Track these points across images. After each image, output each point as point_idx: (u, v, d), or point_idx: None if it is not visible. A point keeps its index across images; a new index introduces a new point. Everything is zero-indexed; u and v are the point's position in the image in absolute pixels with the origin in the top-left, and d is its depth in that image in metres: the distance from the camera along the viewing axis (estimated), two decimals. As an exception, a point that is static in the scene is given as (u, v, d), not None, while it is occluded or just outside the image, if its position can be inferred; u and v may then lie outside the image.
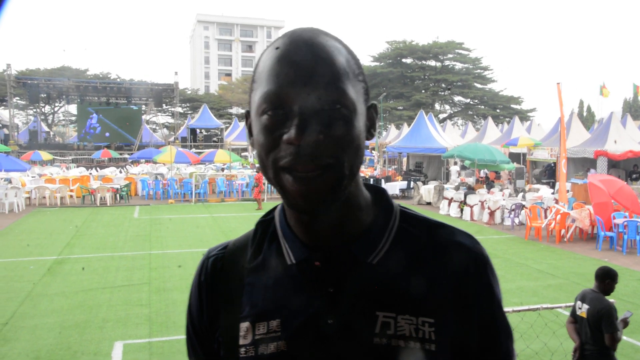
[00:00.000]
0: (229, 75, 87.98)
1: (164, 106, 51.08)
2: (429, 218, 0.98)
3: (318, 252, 0.91)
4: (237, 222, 16.05)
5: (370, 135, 0.92)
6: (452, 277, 0.91)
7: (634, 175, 19.40)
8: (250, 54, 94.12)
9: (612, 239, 12.07)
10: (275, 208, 1.02)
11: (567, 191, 15.86)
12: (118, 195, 20.72)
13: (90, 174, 25.27)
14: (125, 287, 8.66)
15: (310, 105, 0.81)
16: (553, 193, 17.13)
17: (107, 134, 40.79)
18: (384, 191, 1.01)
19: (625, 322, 4.31)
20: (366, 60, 59.65)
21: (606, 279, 4.38)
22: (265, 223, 1.02)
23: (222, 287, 1.01)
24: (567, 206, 14.05)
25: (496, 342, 0.95)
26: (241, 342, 0.94)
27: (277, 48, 0.85)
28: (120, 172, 27.45)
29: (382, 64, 58.97)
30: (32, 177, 22.55)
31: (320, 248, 0.92)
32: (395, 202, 1.01)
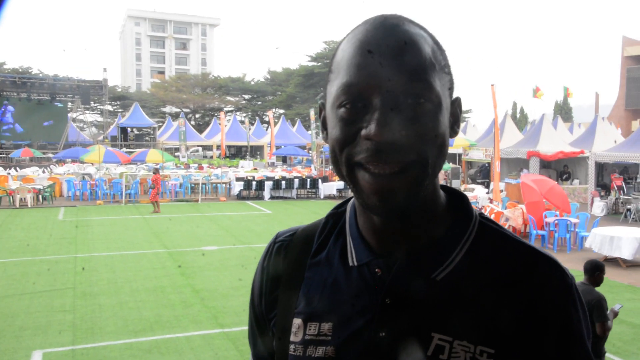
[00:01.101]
0: (162, 73, 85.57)
1: (92, 104, 48.85)
2: (510, 234, 0.88)
3: (381, 258, 0.85)
4: (170, 223, 15.40)
5: (454, 132, 0.85)
6: (523, 306, 0.81)
7: (565, 176, 20.30)
8: (184, 51, 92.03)
9: (543, 237, 12.41)
10: (348, 200, 0.96)
11: (501, 191, 16.29)
12: (40, 197, 19.49)
13: (9, 173, 23.68)
14: (47, 293, 8.01)
15: (392, 98, 0.74)
16: (488, 193, 17.59)
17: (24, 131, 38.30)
18: (463, 197, 0.91)
19: (615, 313, 4.49)
20: (303, 60, 59.85)
21: (596, 271, 4.55)
22: (337, 216, 0.97)
23: (282, 277, 0.96)
24: (501, 205, 14.40)
25: None
26: (292, 338, 0.90)
27: (358, 35, 0.79)
28: (44, 172, 25.96)
29: (319, 63, 59.13)
30: (-58, 176, 20.82)
31: (385, 254, 0.86)
32: (476, 210, 0.90)
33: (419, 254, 0.84)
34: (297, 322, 0.89)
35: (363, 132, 0.75)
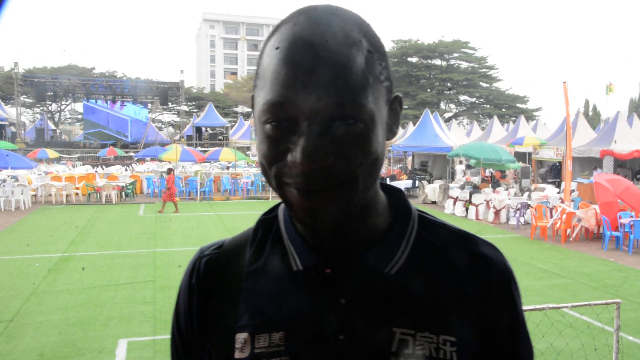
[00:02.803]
0: (235, 73, 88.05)
1: (170, 104, 51.13)
2: (449, 224, 0.90)
3: (329, 258, 0.82)
4: (242, 220, 16.05)
5: (391, 134, 0.81)
6: (475, 293, 0.83)
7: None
8: (256, 52, 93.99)
9: (618, 238, 11.99)
10: (279, 205, 0.91)
11: (573, 191, 15.78)
12: (123, 193, 20.76)
13: (96, 171, 25.36)
14: (130, 285, 8.67)
15: (319, 121, 0.70)
16: (559, 192, 17.06)
17: None
18: (401, 193, 0.91)
19: None
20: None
21: None
22: (268, 221, 0.92)
23: (216, 292, 0.90)
24: (573, 206, 13.98)
25: None
26: (237, 355, 0.84)
27: (284, 42, 0.72)
28: (126, 170, 27.55)
29: (387, 63, 58.82)
30: (39, 174, 22.63)
31: (331, 253, 0.83)
32: (413, 205, 0.91)
33: (367, 250, 0.83)
34: (241, 337, 0.84)
35: (289, 157, 0.71)
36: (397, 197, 0.90)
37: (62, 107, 56.50)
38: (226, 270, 0.91)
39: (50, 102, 51.69)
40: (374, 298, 0.81)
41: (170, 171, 18.31)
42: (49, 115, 51.37)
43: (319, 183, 0.71)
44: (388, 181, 22.48)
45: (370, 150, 0.73)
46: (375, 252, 0.83)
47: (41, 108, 48.85)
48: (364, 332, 0.80)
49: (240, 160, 28.23)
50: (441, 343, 0.80)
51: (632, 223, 11.56)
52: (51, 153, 31.39)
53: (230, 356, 0.84)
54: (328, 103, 0.69)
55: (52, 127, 47.76)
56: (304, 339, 0.81)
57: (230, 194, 22.53)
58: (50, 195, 19.80)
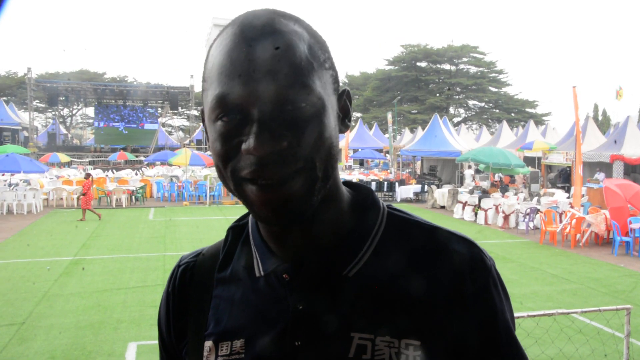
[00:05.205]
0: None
1: (180, 109, 51.47)
2: (421, 220, 0.85)
3: (287, 264, 0.81)
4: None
5: (344, 127, 0.81)
6: (442, 292, 0.78)
7: (650, 180, 19.16)
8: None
9: (628, 243, 11.91)
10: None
11: (583, 195, 15.70)
12: (133, 197, 20.90)
13: (107, 175, 25.53)
14: (140, 288, 8.72)
15: (269, 107, 0.69)
16: (568, 197, 16.98)
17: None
18: (369, 191, 0.88)
19: None
20: (381, 64, 59.72)
21: None
22: (238, 229, 0.92)
23: (190, 300, 0.91)
24: (583, 211, 13.90)
25: None
26: None
27: (226, 40, 0.73)
28: (136, 174, 27.71)
29: (396, 67, 58.88)
30: (50, 178, 22.84)
31: (292, 259, 0.81)
32: (383, 202, 0.88)
33: (326, 253, 0.80)
34: (207, 344, 0.85)
35: (243, 146, 0.70)
36: (365, 195, 0.87)
37: (74, 111, 57.00)
38: (200, 278, 0.91)
39: (62, 107, 52.21)
40: (332, 302, 0.79)
41: (87, 176, 17.14)
42: (61, 120, 51.86)
43: (276, 170, 0.70)
44: (397, 186, 22.47)
45: (324, 135, 0.72)
46: (334, 255, 0.80)
47: (53, 112, 49.37)
48: (321, 337, 0.78)
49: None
50: (403, 347, 0.76)
51: (642, 228, 11.49)
52: (63, 157, 31.69)
53: None
54: (276, 87, 0.69)
55: (64, 131, 48.26)
56: (261, 346, 0.80)
57: (240, 198, 22.56)
58: (61, 199, 19.98)
